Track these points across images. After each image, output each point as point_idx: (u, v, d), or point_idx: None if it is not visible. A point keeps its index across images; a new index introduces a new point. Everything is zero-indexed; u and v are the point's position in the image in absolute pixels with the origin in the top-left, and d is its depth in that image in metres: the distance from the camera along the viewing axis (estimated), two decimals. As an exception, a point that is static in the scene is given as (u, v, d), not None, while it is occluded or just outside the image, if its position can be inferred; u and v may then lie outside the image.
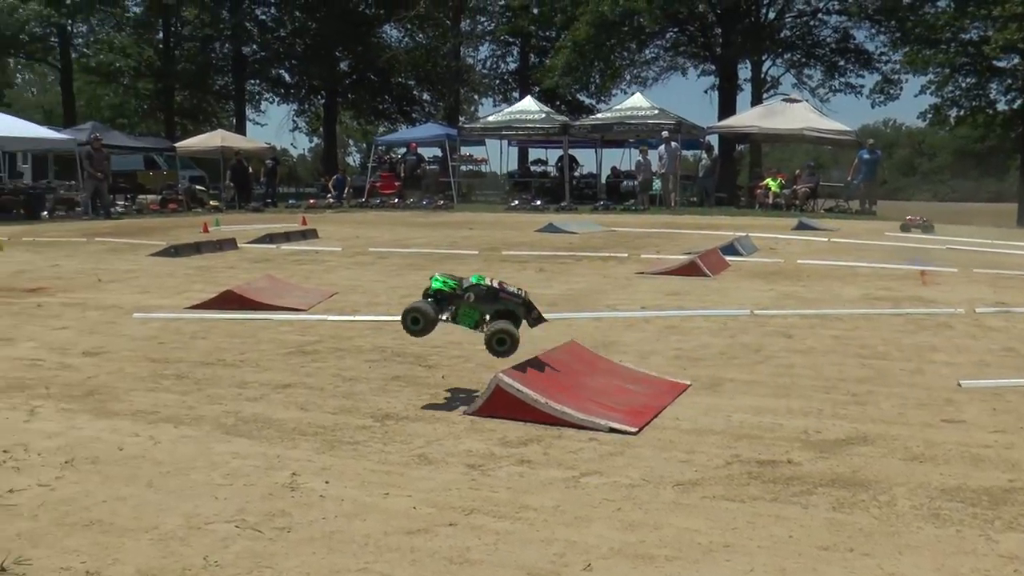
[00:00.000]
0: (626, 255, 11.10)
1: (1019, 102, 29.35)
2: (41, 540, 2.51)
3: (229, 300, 6.80)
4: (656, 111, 25.62)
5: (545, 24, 37.59)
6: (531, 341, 5.55)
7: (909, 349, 5.37)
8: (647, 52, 36.15)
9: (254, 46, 41.76)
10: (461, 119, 36.40)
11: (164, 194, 26.11)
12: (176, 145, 30.74)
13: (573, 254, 11.39)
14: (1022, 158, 31.34)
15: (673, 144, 24.22)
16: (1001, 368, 4.83)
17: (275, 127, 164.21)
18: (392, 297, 7.43)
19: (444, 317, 4.08)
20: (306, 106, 45.76)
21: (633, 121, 25.73)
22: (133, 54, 41.05)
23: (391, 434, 3.56)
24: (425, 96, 44.89)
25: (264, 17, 41.85)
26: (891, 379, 4.57)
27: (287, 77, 43.69)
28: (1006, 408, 3.99)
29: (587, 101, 39.83)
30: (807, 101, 28.41)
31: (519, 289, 4.17)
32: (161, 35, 40.49)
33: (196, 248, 11.66)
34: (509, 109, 29.50)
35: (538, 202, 24.82)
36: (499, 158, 45.84)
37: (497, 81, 43.55)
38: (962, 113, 30.62)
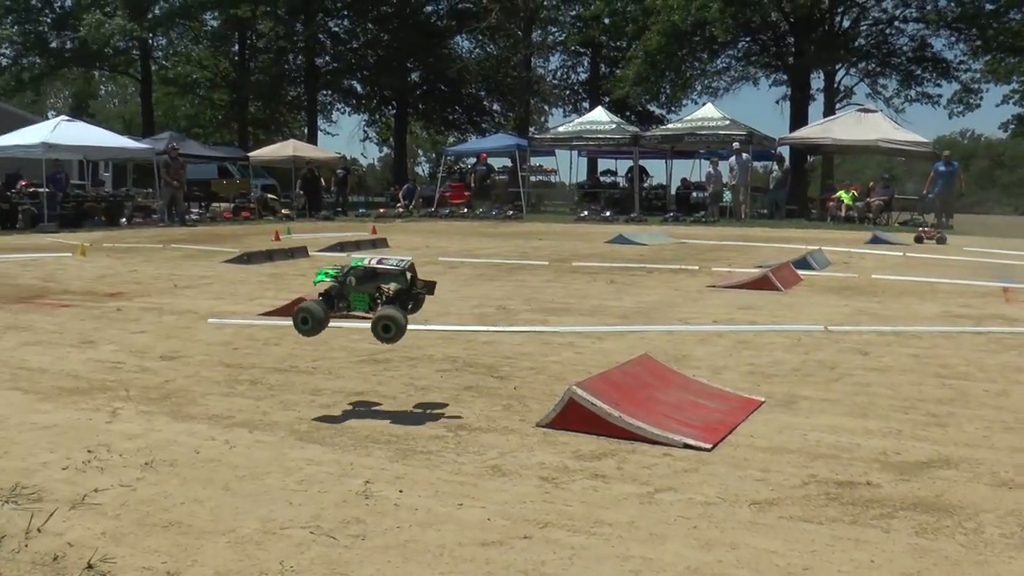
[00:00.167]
0: (697, 268, 10.99)
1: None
2: (124, 539, 2.56)
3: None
4: (727, 122, 25.39)
5: (616, 34, 37.48)
6: (603, 353, 5.54)
7: (993, 369, 5.19)
8: (718, 62, 35.92)
9: (327, 57, 42.53)
10: (531, 129, 36.59)
11: (237, 202, 26.66)
12: (249, 154, 31.48)
13: (644, 266, 11.30)
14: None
15: (744, 155, 23.96)
16: (1092, 390, 4.63)
17: (346, 137, 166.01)
18: (463, 308, 7.44)
19: (341, 307, 3.94)
20: (377, 116, 46.46)
21: (704, 132, 25.54)
22: (209, 66, 42.31)
23: (464, 444, 3.55)
24: (495, 106, 45.23)
25: (337, 29, 42.64)
26: (974, 400, 4.41)
27: (359, 88, 44.41)
28: (1099, 432, 3.82)
29: (657, 111, 39.78)
30: (882, 111, 27.82)
31: (401, 260, 3.96)
32: (236, 47, 41.51)
33: (268, 256, 11.89)
34: (579, 119, 29.56)
35: (607, 213, 24.72)
36: (569, 168, 46.19)
37: (567, 91, 43.72)
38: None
